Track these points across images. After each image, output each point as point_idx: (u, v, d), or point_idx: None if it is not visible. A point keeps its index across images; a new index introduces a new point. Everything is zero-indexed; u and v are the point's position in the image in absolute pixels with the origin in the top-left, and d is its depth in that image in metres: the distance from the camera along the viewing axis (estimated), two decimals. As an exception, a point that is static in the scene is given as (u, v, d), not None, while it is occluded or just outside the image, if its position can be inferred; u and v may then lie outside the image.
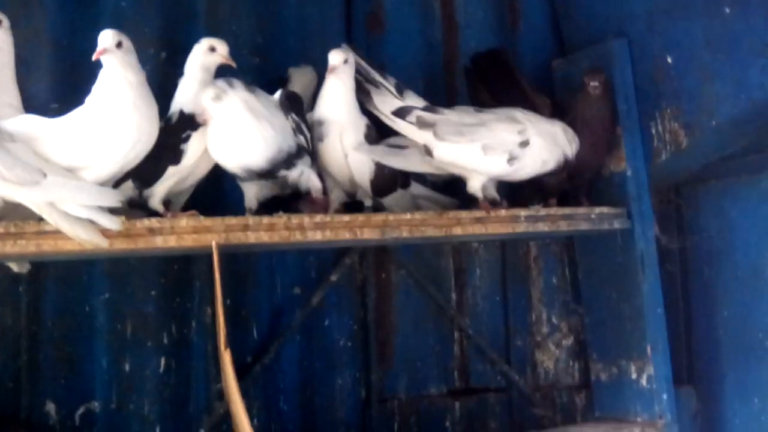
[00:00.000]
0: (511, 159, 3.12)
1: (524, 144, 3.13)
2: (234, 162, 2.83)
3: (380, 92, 3.17)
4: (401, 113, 3.08)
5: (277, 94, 2.97)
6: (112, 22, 3.14)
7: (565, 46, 3.87)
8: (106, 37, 2.61)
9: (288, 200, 3.08)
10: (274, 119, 2.84)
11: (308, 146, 2.93)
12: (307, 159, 2.93)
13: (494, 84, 3.55)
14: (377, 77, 3.19)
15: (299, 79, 3.33)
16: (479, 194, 3.15)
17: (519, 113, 3.23)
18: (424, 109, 3.12)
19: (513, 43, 3.93)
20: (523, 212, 3.17)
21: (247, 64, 3.39)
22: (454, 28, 3.87)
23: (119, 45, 2.61)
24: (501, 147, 3.11)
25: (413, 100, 3.17)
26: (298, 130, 2.90)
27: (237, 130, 2.78)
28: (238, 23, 3.49)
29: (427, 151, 3.08)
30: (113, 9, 3.30)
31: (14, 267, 2.97)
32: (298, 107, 2.96)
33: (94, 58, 2.58)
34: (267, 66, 3.47)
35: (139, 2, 3.34)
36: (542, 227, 3.22)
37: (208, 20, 3.43)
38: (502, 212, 3.14)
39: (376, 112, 3.15)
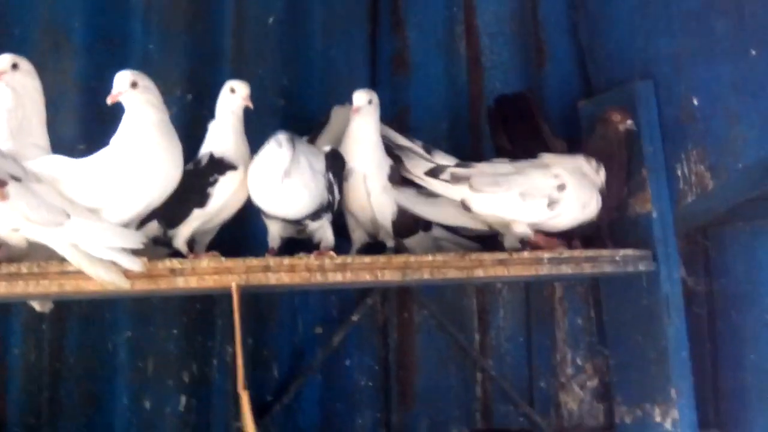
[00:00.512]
0: (551, 203, 3.12)
1: (561, 187, 3.14)
2: (276, 212, 2.88)
3: (410, 157, 3.18)
4: (435, 173, 3.10)
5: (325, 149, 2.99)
6: (140, 64, 3.22)
7: (592, 87, 3.86)
8: (121, 79, 2.65)
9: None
10: (317, 175, 2.86)
11: (335, 205, 2.96)
12: (329, 215, 2.96)
13: (513, 126, 3.57)
14: (405, 142, 3.23)
15: (341, 118, 3.32)
16: (530, 231, 3.15)
17: (546, 157, 3.26)
18: (457, 165, 3.14)
19: (539, 84, 3.94)
20: (546, 254, 3.13)
21: (272, 106, 3.46)
22: (479, 69, 3.89)
23: (134, 85, 2.65)
24: (539, 192, 3.12)
25: (443, 159, 3.21)
26: (330, 189, 2.91)
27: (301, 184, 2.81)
28: (263, 65, 3.54)
29: (465, 206, 3.09)
30: (141, 51, 3.37)
31: (37, 306, 3.00)
32: (338, 168, 2.99)
33: (108, 102, 2.62)
34: (292, 108, 3.52)
35: (166, 45, 3.41)
36: (565, 269, 3.18)
37: (234, 62, 3.48)
38: (525, 254, 3.11)
39: (409, 176, 3.15)
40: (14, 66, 2.76)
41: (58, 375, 3.18)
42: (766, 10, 2.96)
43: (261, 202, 2.86)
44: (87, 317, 3.23)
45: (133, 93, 2.65)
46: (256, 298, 3.33)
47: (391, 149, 3.19)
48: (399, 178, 3.15)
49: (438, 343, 3.70)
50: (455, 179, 3.09)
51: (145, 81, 2.68)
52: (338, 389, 3.54)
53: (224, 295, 3.14)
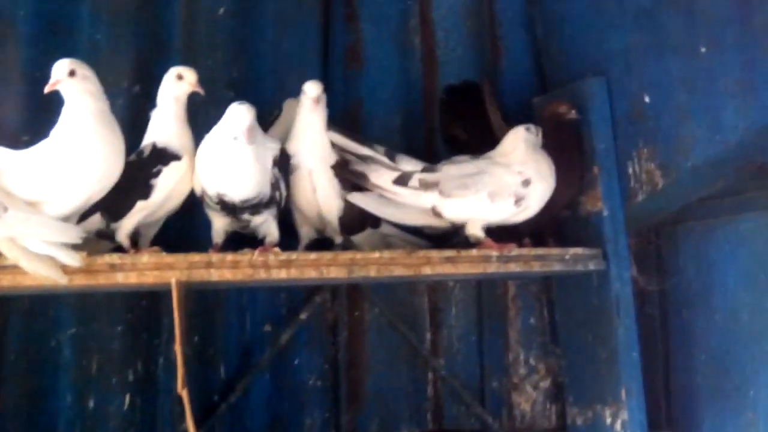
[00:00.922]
0: (518, 200, 3.11)
1: (526, 183, 3.12)
2: (217, 189, 2.81)
3: (372, 168, 3.13)
4: (402, 180, 3.07)
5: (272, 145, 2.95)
6: (87, 54, 3.15)
7: (547, 84, 3.83)
8: (59, 67, 2.60)
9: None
10: (263, 160, 2.83)
11: (280, 201, 2.93)
12: (274, 210, 2.92)
13: (466, 117, 3.55)
14: (366, 151, 3.19)
15: (293, 112, 3.26)
16: (481, 235, 3.12)
17: (498, 151, 3.24)
18: (423, 170, 3.13)
19: (494, 80, 3.87)
20: (494, 252, 3.11)
21: (222, 98, 3.35)
22: (433, 63, 3.85)
23: (72, 73, 2.60)
24: (506, 191, 3.11)
25: (408, 164, 3.18)
26: (276, 185, 2.89)
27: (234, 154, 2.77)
28: (213, 57, 3.47)
29: (436, 213, 3.07)
30: (87, 41, 3.30)
31: None
32: (285, 164, 2.96)
33: (45, 90, 2.57)
34: (241, 99, 3.40)
35: (113, 35, 3.34)
36: (514, 268, 3.16)
37: (183, 53, 3.40)
38: (473, 252, 3.09)
39: (376, 190, 3.10)
40: None
41: (0, 372, 3.10)
42: (716, 6, 2.93)
43: (211, 178, 2.82)
44: (29, 313, 3.15)
45: (72, 82, 2.60)
46: (202, 295, 3.28)
47: (349, 163, 3.14)
48: (350, 183, 3.11)
49: (389, 342, 3.66)
50: (424, 186, 3.07)
51: (83, 70, 2.63)
52: (287, 389, 3.49)
53: (170, 292, 3.10)
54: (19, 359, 3.14)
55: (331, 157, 3.09)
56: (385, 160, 3.18)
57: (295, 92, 3.24)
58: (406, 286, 3.70)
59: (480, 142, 3.41)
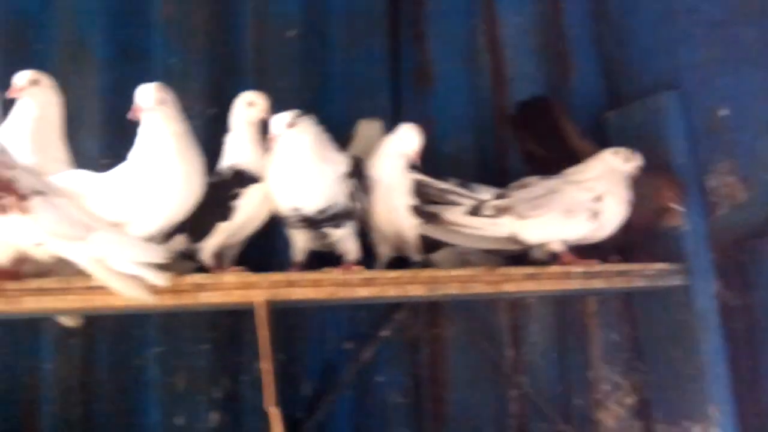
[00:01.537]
0: (592, 216, 3.10)
1: (598, 198, 3.12)
2: (290, 199, 2.86)
3: (446, 202, 3.14)
4: (475, 211, 3.07)
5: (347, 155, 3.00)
6: (161, 78, 3.21)
7: (618, 99, 3.83)
8: (146, 94, 2.68)
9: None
10: (331, 167, 2.87)
11: (358, 214, 2.97)
12: (354, 224, 2.95)
13: (540, 131, 3.55)
14: (439, 185, 3.19)
15: (366, 133, 3.35)
16: (561, 249, 3.11)
17: (574, 171, 3.24)
18: (495, 197, 3.13)
19: (564, 96, 3.91)
20: (576, 268, 3.10)
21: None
22: (502, 81, 3.88)
23: (159, 101, 2.67)
24: (579, 207, 3.11)
25: (482, 193, 3.20)
26: (354, 196, 2.92)
27: (300, 166, 2.82)
28: (284, 79, 3.54)
29: (514, 240, 3.08)
30: (162, 66, 3.41)
31: (66, 321, 3.04)
32: (360, 175, 2.99)
33: (131, 117, 2.65)
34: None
35: (187, 59, 3.44)
36: (597, 284, 3.14)
37: (255, 76, 3.50)
38: (555, 269, 3.08)
39: (452, 227, 3.07)
40: (35, 82, 2.82)
41: (90, 391, 3.20)
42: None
43: (280, 191, 2.87)
44: (117, 332, 3.25)
45: (158, 108, 2.67)
46: (284, 313, 3.31)
47: (428, 197, 3.14)
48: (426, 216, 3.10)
49: (470, 359, 3.66)
50: (498, 211, 3.07)
51: (168, 95, 2.71)
52: (370, 406, 3.52)
53: (253, 310, 3.16)
54: (108, 378, 3.23)
55: (411, 178, 3.10)
56: (458, 190, 3.19)
57: (366, 113, 3.32)
58: (486, 303, 3.70)
59: (558, 156, 3.41)
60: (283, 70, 3.55)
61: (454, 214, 3.07)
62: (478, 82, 3.84)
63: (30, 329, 3.14)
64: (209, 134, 3.14)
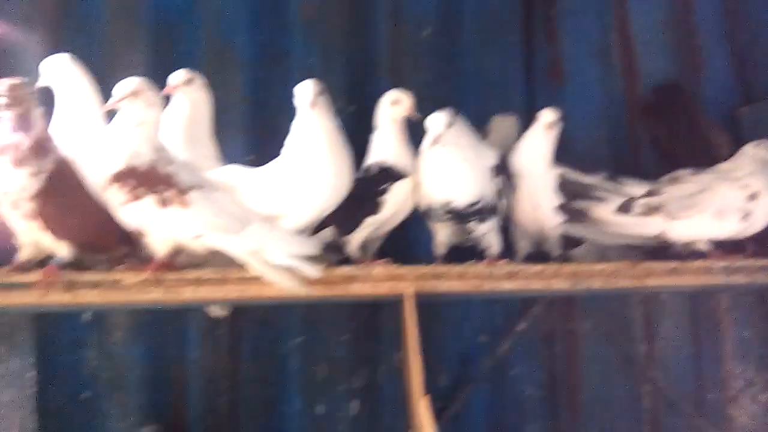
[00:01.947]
0: (744, 217, 3.08)
1: (753, 197, 3.09)
2: (441, 194, 2.90)
3: (595, 197, 3.15)
4: (625, 209, 3.08)
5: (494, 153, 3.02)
6: (301, 78, 3.29)
7: (750, 94, 3.79)
8: (308, 89, 2.75)
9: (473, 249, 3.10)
10: (482, 162, 2.92)
11: (503, 209, 2.99)
12: (497, 220, 2.98)
13: (671, 118, 3.53)
14: (586, 180, 3.19)
15: (501, 128, 3.37)
16: (707, 248, 3.10)
17: (727, 167, 3.20)
18: (647, 194, 3.12)
19: (695, 91, 3.86)
20: (718, 263, 3.06)
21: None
22: (634, 76, 3.86)
23: (320, 94, 2.75)
24: (731, 208, 3.09)
25: (632, 187, 3.18)
26: (501, 192, 2.96)
27: (456, 160, 2.87)
28: (419, 76, 3.60)
29: (662, 238, 3.08)
30: (302, 65, 3.48)
31: (215, 311, 3.13)
32: (508, 174, 3.03)
33: (309, 107, 2.71)
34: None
35: (326, 59, 3.52)
36: (739, 279, 3.08)
37: (392, 74, 3.56)
38: (697, 263, 3.04)
39: (600, 224, 3.11)
40: (189, 81, 2.92)
41: (235, 379, 3.30)
42: None
43: (432, 185, 2.92)
44: (260, 323, 3.35)
45: (318, 103, 2.75)
46: (420, 307, 3.35)
47: (573, 192, 3.15)
48: (566, 188, 3.14)
49: (604, 353, 3.66)
50: (649, 210, 3.07)
51: (324, 91, 2.79)
52: (505, 398, 3.56)
53: (391, 302, 3.20)
54: (251, 367, 3.34)
55: (554, 172, 3.12)
56: (606, 184, 3.18)
57: (499, 109, 3.35)
58: (619, 298, 3.69)
59: (687, 143, 3.38)
60: (417, 68, 3.62)
61: (603, 212, 3.08)
62: (610, 78, 3.83)
63: (177, 320, 3.26)
64: (349, 131, 3.20)
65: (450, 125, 2.86)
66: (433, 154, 2.89)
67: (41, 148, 2.43)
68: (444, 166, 2.88)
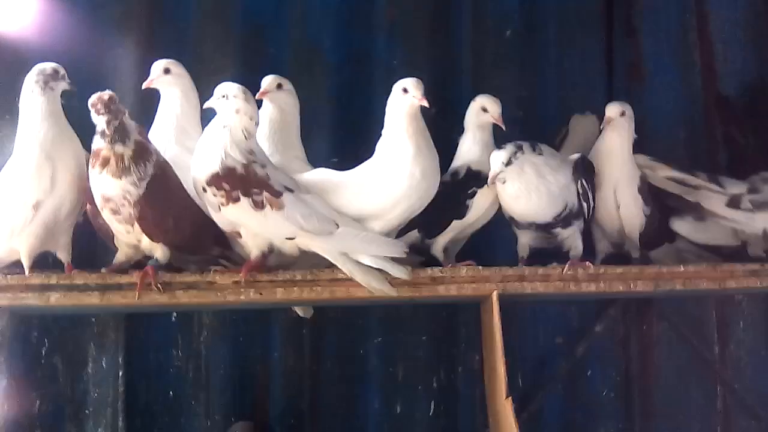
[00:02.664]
0: None
1: None
2: (522, 217, 2.92)
3: (703, 195, 3.16)
4: (734, 203, 3.09)
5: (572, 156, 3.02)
6: (384, 79, 3.34)
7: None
8: (418, 87, 2.75)
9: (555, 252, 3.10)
10: (558, 178, 2.90)
11: (588, 214, 2.99)
12: (581, 223, 2.98)
13: (747, 117, 3.56)
14: (689, 178, 3.20)
15: (581, 128, 3.38)
16: None
17: None
18: (749, 191, 3.13)
19: (773, 91, 3.83)
20: (799, 265, 3.06)
21: (511, 118, 3.44)
22: (713, 76, 3.80)
23: (405, 91, 2.76)
24: None
25: (732, 185, 3.18)
26: (584, 197, 2.96)
27: (526, 189, 2.85)
28: (501, 78, 3.60)
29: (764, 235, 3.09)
30: (386, 68, 3.49)
31: (300, 312, 3.19)
32: (589, 175, 3.00)
33: (422, 103, 2.72)
34: (530, 118, 3.55)
35: (409, 61, 3.52)
36: (820, 282, 3.10)
37: (474, 76, 3.57)
38: (777, 266, 3.06)
39: (712, 217, 3.14)
40: (279, 86, 2.97)
41: (316, 378, 3.36)
42: None
43: (511, 211, 2.93)
44: (343, 323, 3.40)
45: (406, 98, 2.76)
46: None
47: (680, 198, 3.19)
48: (648, 190, 3.13)
49: (678, 354, 3.65)
50: (757, 206, 3.08)
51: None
52: (580, 400, 3.57)
53: (468, 305, 3.24)
54: (332, 367, 3.39)
55: (636, 174, 3.12)
56: (710, 184, 3.18)
57: (580, 109, 3.36)
58: (695, 300, 3.67)
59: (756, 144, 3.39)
60: (499, 67, 3.62)
61: (713, 205, 3.10)
62: (690, 77, 3.78)
63: (261, 320, 3.32)
64: (432, 133, 3.23)
65: (509, 162, 2.82)
66: (512, 181, 2.86)
67: (140, 157, 2.49)
68: (525, 191, 2.85)
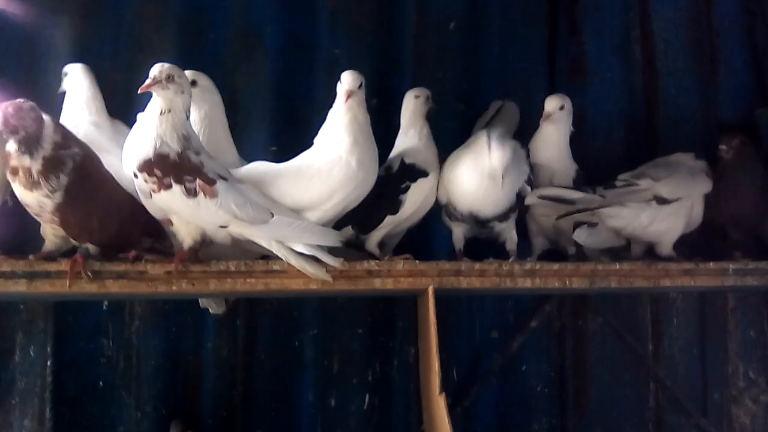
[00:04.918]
0: None
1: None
2: (473, 210, 2.91)
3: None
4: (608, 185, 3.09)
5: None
6: (326, 68, 3.32)
7: (768, 94, 3.78)
8: (353, 80, 2.73)
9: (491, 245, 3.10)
10: (521, 171, 2.91)
11: (523, 203, 2.99)
12: (516, 213, 2.98)
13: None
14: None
15: (511, 115, 3.38)
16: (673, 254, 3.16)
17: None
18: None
19: (713, 91, 3.87)
20: (731, 265, 3.10)
21: (453, 111, 3.50)
22: (654, 74, 3.83)
23: (360, 86, 2.74)
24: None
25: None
26: (528, 181, 2.96)
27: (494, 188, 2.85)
28: (443, 71, 3.58)
29: (660, 199, 3.08)
30: (327, 56, 3.46)
31: (212, 308, 3.13)
32: (529, 160, 3.03)
33: (344, 100, 2.70)
34: (471, 112, 3.52)
35: (351, 51, 3.49)
36: (751, 281, 3.12)
37: (416, 68, 3.54)
38: (710, 265, 3.08)
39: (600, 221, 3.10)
40: (194, 83, 2.81)
41: (250, 370, 3.31)
42: None
43: (466, 200, 2.91)
44: (276, 314, 3.35)
45: (359, 93, 2.74)
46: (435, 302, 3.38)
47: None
48: (584, 183, 3.14)
49: (612, 351, 3.68)
50: (634, 177, 3.12)
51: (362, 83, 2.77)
52: (514, 394, 3.57)
53: (405, 298, 3.23)
54: (267, 358, 3.34)
55: (572, 167, 3.15)
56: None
57: (521, 104, 3.40)
58: (630, 296, 3.71)
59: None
60: (442, 61, 3.60)
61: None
62: (631, 76, 3.81)
63: (195, 310, 3.23)
64: (372, 124, 3.20)
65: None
66: (467, 169, 2.87)
67: (50, 170, 2.39)
68: (480, 186, 2.85)
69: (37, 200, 2.41)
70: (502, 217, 2.91)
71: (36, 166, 2.38)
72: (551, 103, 3.11)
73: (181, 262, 2.55)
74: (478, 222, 2.95)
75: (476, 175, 2.85)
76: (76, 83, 2.93)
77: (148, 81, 2.48)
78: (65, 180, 2.40)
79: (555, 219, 3.06)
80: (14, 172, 2.40)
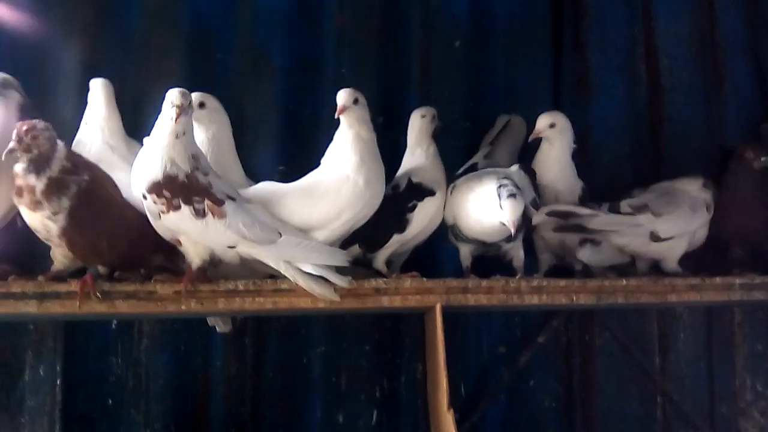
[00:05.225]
0: None
1: None
2: (480, 236, 2.93)
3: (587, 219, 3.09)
4: (614, 209, 3.09)
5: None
6: (333, 87, 3.31)
7: (773, 109, 3.79)
8: (346, 95, 2.74)
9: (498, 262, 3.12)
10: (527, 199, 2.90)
11: (531, 222, 2.99)
12: (522, 233, 2.97)
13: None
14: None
15: (518, 131, 3.42)
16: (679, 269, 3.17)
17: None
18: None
19: (718, 106, 3.88)
20: (738, 280, 3.11)
21: (459, 128, 3.52)
22: (659, 91, 3.84)
23: (356, 101, 2.74)
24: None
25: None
26: (534, 203, 2.96)
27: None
28: (450, 88, 3.61)
29: (654, 236, 3.09)
30: (334, 75, 3.48)
31: (219, 327, 3.15)
32: (536, 185, 3.05)
33: (337, 116, 2.71)
34: (478, 130, 3.55)
35: (358, 69, 3.51)
36: (757, 295, 3.14)
37: (422, 86, 3.56)
38: (717, 280, 3.09)
39: (603, 239, 3.11)
40: (201, 105, 2.86)
41: (258, 388, 3.33)
42: None
43: (472, 231, 2.92)
44: (285, 332, 3.36)
45: (355, 108, 2.75)
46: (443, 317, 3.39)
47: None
48: (589, 200, 3.17)
49: (619, 365, 3.69)
50: (636, 209, 3.10)
51: (363, 98, 2.78)
52: (522, 410, 3.58)
53: (412, 315, 3.25)
54: (275, 376, 3.36)
55: (577, 185, 3.17)
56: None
57: (527, 121, 3.39)
58: (636, 311, 3.71)
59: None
60: (447, 78, 3.61)
61: (600, 222, 3.07)
62: (636, 92, 3.82)
63: (203, 328, 3.25)
64: (379, 143, 3.22)
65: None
66: (478, 201, 2.85)
67: (53, 192, 2.43)
68: (491, 220, 2.81)
69: (42, 223, 2.45)
70: (509, 239, 2.92)
71: (40, 185, 2.41)
72: (540, 122, 3.15)
73: (189, 281, 2.57)
74: (485, 244, 2.97)
75: (487, 220, 2.83)
76: (95, 99, 2.95)
77: (175, 110, 2.49)
78: (67, 203, 2.44)
79: (552, 230, 3.08)
80: (19, 193, 2.44)
